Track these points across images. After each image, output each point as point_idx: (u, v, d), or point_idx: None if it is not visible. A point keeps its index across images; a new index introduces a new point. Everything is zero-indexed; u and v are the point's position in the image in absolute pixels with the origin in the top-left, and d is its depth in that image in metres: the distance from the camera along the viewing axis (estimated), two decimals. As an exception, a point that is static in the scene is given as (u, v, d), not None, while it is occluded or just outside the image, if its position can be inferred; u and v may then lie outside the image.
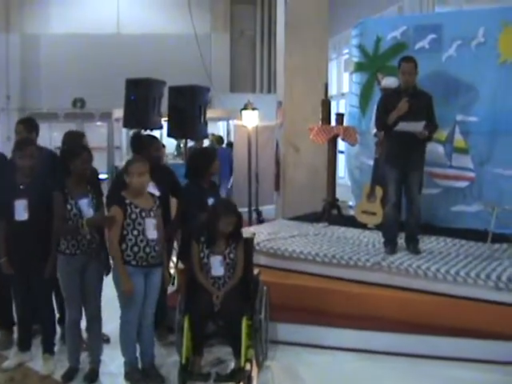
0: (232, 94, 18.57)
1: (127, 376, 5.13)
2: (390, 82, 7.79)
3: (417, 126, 6.51)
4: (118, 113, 15.96)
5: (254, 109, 11.09)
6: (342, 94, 16.42)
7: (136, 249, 4.94)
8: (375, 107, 8.22)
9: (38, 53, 20.91)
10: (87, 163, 5.18)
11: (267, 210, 11.28)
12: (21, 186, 5.31)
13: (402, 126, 6.53)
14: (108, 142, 20.22)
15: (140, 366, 5.19)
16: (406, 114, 6.49)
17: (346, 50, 17.72)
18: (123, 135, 17.24)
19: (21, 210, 5.24)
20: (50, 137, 17.57)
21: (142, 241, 4.95)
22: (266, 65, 21.07)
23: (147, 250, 4.96)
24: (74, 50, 20.25)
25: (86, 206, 5.10)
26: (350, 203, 10.59)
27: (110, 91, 18.14)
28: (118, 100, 15.89)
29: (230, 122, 17.03)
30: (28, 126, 6.11)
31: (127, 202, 4.98)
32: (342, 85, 16.84)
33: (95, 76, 19.91)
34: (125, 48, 20.10)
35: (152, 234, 4.98)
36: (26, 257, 5.27)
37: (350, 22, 16.49)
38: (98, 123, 21.21)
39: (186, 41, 19.41)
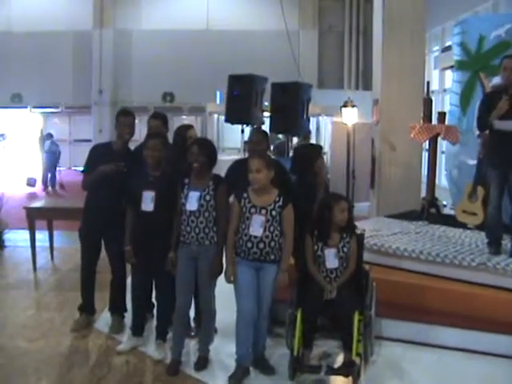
0: (320, 91, 18.57)
1: (231, 374, 5.17)
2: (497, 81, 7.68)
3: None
4: (211, 107, 16.37)
5: (353, 106, 11.12)
6: (432, 92, 16.21)
7: (241, 242, 5.09)
8: (477, 106, 8.14)
9: (129, 48, 21.53)
10: (194, 156, 5.25)
11: (361, 206, 11.29)
12: (150, 178, 5.54)
13: (500, 125, 6.42)
14: (201, 136, 20.54)
15: (252, 357, 5.28)
16: (507, 114, 6.31)
17: (436, 47, 17.51)
18: (215, 129, 17.51)
19: (148, 201, 5.47)
20: (140, 130, 17.99)
21: (246, 235, 5.06)
22: (354, 61, 21.05)
23: (249, 244, 5.05)
24: (164, 46, 20.77)
25: (193, 198, 5.22)
26: (444, 202, 10.50)
27: (199, 86, 18.58)
28: (209, 94, 16.31)
29: (320, 118, 17.05)
30: (163, 122, 6.48)
31: (245, 195, 5.12)
32: (432, 82, 16.64)
33: (184, 71, 20.36)
34: (213, 44, 20.49)
35: (256, 231, 5.03)
36: (149, 247, 5.49)
37: (439, 20, 16.29)
38: (184, 117, 21.61)
39: (274, 37, 19.60)
